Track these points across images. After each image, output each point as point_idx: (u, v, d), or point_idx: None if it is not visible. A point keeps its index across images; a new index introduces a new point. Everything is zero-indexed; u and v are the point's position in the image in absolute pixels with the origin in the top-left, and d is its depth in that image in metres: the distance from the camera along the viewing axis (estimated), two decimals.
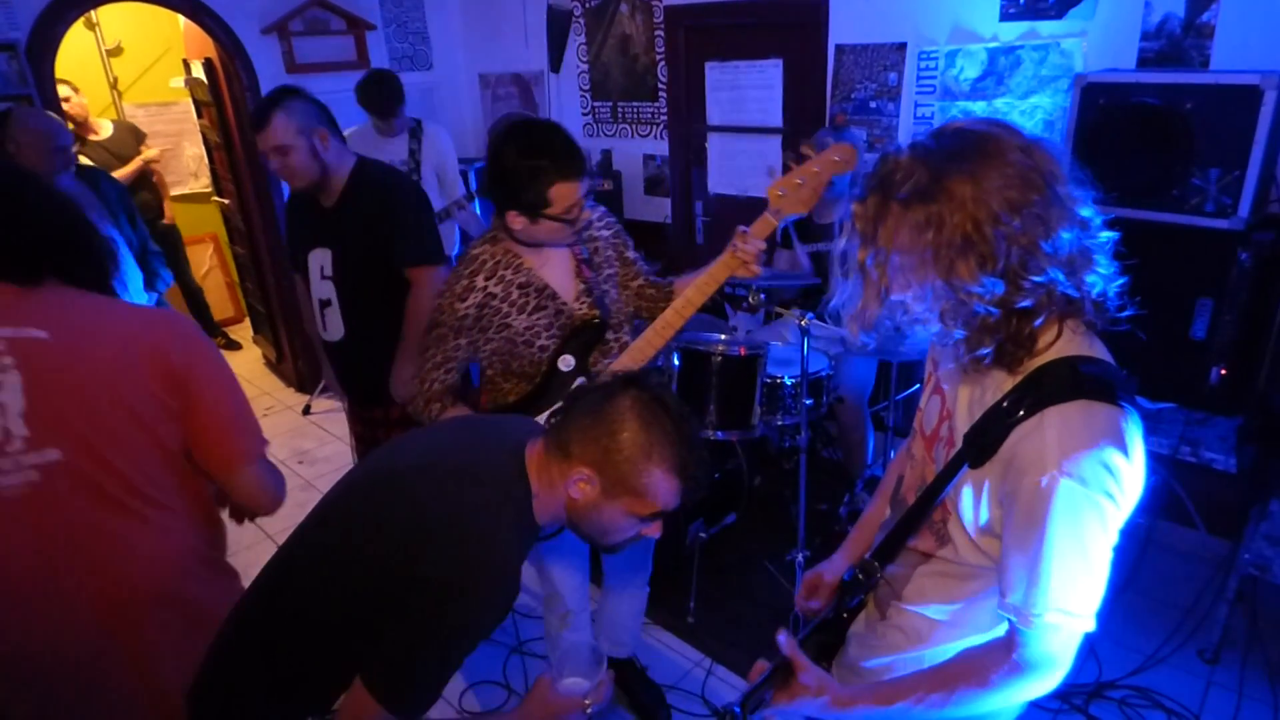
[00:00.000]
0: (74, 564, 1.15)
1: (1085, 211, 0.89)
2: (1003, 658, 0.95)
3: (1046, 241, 0.86)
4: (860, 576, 1.11)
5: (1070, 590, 0.89)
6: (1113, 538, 0.90)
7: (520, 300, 1.68)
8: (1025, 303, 0.88)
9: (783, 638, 1.03)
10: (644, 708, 2.25)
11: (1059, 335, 0.93)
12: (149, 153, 4.64)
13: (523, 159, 1.55)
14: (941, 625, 1.06)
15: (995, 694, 0.95)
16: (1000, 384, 0.96)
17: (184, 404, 1.21)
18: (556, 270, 1.72)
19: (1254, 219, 2.17)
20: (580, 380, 1.73)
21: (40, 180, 1.24)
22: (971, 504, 0.97)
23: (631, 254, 1.88)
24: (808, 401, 2.47)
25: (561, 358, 1.70)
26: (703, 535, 2.71)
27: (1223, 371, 2.28)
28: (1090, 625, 0.91)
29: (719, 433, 2.54)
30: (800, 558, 2.52)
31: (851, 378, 2.91)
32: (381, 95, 3.38)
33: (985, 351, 0.92)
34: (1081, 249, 0.88)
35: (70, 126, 4.44)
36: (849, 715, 1.01)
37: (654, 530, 1.14)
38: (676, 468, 1.07)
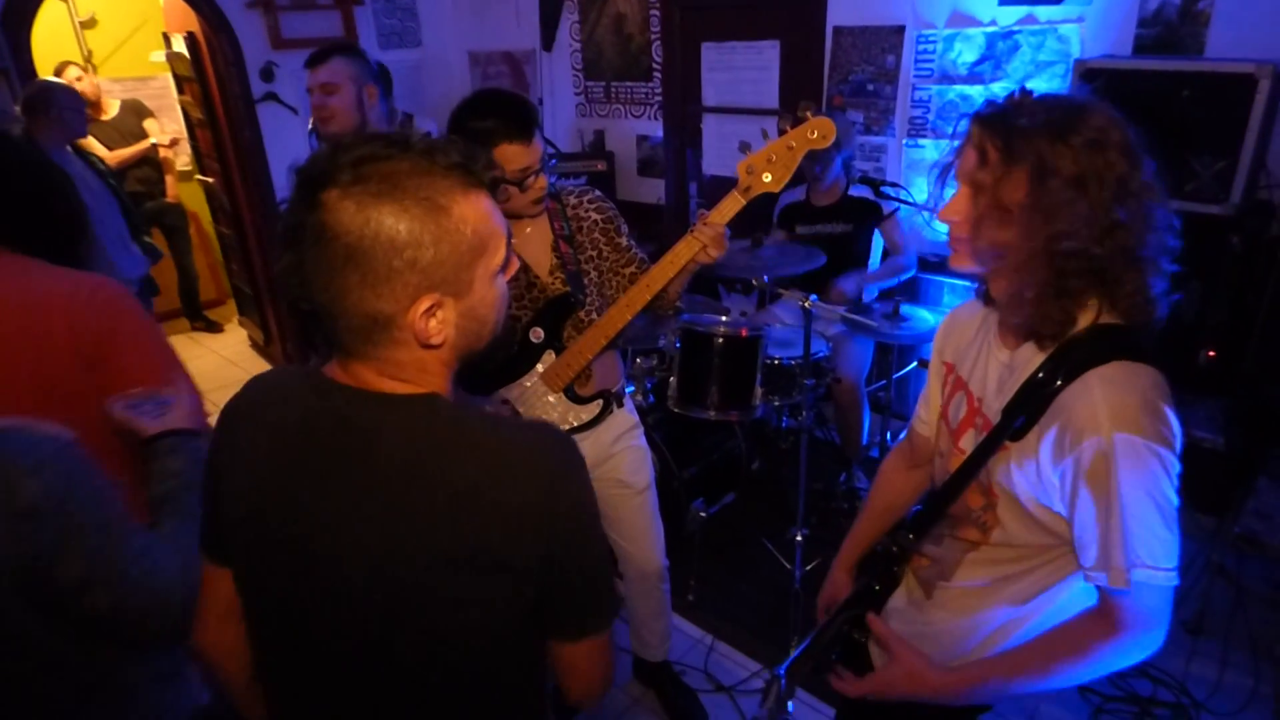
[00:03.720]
0: None
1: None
2: (1099, 624, 0.96)
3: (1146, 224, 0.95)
4: (894, 549, 1.13)
5: (1152, 543, 0.91)
6: (1176, 486, 0.92)
7: None
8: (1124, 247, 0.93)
9: (872, 619, 1.05)
10: (680, 711, 2.26)
11: (1094, 315, 0.98)
12: (152, 140, 4.52)
13: (471, 123, 1.57)
14: (984, 594, 1.08)
15: (1096, 662, 0.96)
16: (1030, 360, 1.01)
17: (103, 375, 1.16)
18: (532, 244, 1.73)
19: (1245, 205, 2.23)
20: (549, 352, 1.75)
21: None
22: (1022, 478, 1.00)
23: (625, 240, 1.86)
24: (809, 382, 2.50)
25: (532, 330, 1.73)
26: (703, 514, 2.75)
27: (1211, 354, 2.35)
28: (1175, 579, 0.92)
29: (720, 413, 2.57)
30: (799, 535, 2.57)
31: (850, 359, 2.94)
32: None
33: (1033, 323, 0.98)
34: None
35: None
36: (955, 698, 1.02)
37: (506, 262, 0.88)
38: (467, 181, 0.81)
